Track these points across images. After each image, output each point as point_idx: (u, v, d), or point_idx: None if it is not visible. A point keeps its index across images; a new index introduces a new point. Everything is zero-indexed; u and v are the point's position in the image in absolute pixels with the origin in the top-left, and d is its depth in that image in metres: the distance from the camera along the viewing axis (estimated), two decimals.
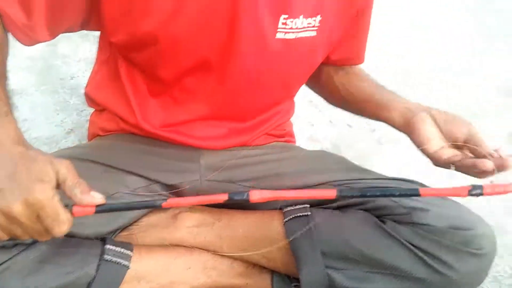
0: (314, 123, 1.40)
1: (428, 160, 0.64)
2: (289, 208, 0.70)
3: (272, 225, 0.70)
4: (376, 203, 0.67)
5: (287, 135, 0.85)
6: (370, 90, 0.75)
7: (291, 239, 0.66)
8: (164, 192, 0.72)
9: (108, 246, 0.63)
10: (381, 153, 1.31)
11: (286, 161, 0.75)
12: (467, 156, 0.60)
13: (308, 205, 0.70)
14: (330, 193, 0.51)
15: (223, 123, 0.73)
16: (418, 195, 0.50)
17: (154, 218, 0.72)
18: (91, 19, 0.65)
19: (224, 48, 0.63)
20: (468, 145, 0.60)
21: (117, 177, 0.69)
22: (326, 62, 0.78)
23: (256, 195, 0.50)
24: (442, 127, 0.63)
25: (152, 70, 0.67)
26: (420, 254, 0.62)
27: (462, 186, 0.50)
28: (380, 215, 0.67)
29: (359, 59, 0.81)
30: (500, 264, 1.02)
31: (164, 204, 0.50)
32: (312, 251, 0.65)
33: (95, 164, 0.69)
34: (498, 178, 0.56)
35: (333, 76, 0.80)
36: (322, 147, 1.31)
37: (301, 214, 0.68)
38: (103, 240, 0.65)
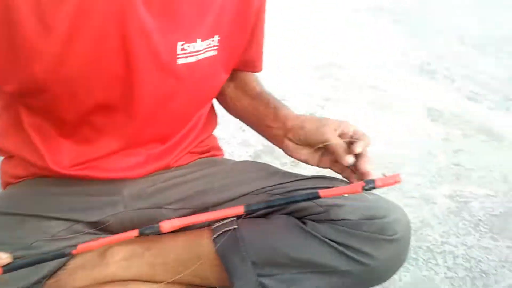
0: (245, 128, 1.42)
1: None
2: (216, 224, 0.71)
3: (202, 244, 0.70)
4: (296, 206, 0.69)
5: (212, 150, 0.86)
6: (251, 110, 0.79)
7: (220, 254, 0.67)
8: (90, 230, 0.70)
9: None
10: None
11: (210, 177, 0.76)
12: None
13: (235, 219, 0.71)
14: (238, 210, 0.52)
15: (139, 150, 0.72)
16: (318, 197, 0.53)
17: (82, 259, 0.70)
18: None
19: (125, 84, 0.62)
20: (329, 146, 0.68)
21: (35, 225, 0.67)
22: None
23: (167, 225, 0.50)
24: (304, 142, 0.71)
25: (54, 113, 0.65)
26: (341, 248, 0.64)
27: (357, 183, 0.54)
28: (302, 217, 0.69)
29: (256, 66, 0.82)
30: (431, 234, 1.09)
31: (74, 251, 0.49)
32: (242, 263, 0.66)
33: (9, 216, 0.67)
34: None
35: (226, 89, 0.82)
36: (255, 150, 1.33)
37: (228, 229, 0.69)
38: None
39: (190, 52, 0.64)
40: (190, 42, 0.64)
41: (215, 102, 0.85)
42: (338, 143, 0.66)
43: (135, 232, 0.50)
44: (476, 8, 2.86)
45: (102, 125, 0.67)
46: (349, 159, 0.64)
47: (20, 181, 0.74)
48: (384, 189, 1.21)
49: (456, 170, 1.35)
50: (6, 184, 0.77)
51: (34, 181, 0.73)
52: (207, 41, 0.66)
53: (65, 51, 0.57)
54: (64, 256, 0.51)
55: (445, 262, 1.02)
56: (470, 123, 1.63)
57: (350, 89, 1.77)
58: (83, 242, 0.68)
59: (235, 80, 0.82)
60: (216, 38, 0.67)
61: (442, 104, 1.74)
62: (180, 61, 0.64)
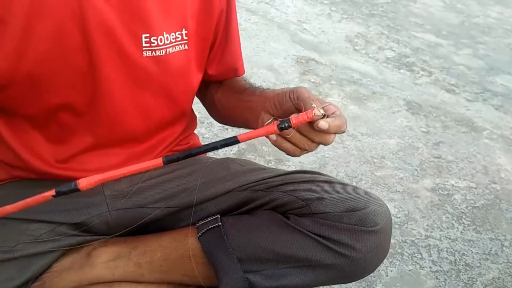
0: (228, 127, 1.42)
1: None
2: (201, 222, 0.71)
3: (187, 242, 0.70)
4: (279, 201, 0.70)
5: (193, 147, 0.86)
6: (236, 101, 0.76)
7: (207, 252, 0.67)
8: (73, 232, 0.70)
9: None
10: None
11: (192, 175, 0.76)
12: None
13: (219, 216, 0.71)
14: (156, 162, 0.50)
15: (116, 150, 0.72)
16: (237, 141, 0.51)
17: (67, 261, 0.70)
18: None
19: (89, 80, 0.62)
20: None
21: (17, 228, 0.66)
22: (208, 79, 0.80)
23: (84, 183, 0.48)
24: (278, 108, 0.63)
25: (20, 111, 0.64)
26: (323, 241, 0.65)
27: (272, 123, 0.53)
28: (285, 212, 0.69)
29: (237, 70, 0.81)
30: (415, 228, 1.11)
31: None
32: (228, 260, 0.67)
33: None
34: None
35: (214, 95, 0.82)
36: (239, 148, 1.34)
37: (212, 226, 0.69)
38: None
39: (157, 46, 0.64)
40: (156, 35, 0.64)
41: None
42: (309, 96, 0.60)
43: (52, 192, 0.48)
44: (452, 0, 2.91)
45: (70, 123, 0.67)
46: (318, 110, 0.56)
47: (1, 184, 0.73)
48: (369, 183, 1.24)
49: (437, 163, 1.38)
50: None
51: (15, 184, 0.72)
52: (173, 34, 0.66)
53: (23, 46, 0.57)
54: None
55: (430, 256, 1.03)
56: (449, 115, 1.66)
57: (331, 83, 1.78)
58: (67, 244, 0.69)
59: (223, 85, 0.82)
60: (184, 31, 0.67)
61: (421, 97, 1.77)
62: (146, 54, 0.64)
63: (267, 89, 0.72)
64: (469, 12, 2.76)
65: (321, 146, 0.61)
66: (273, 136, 0.59)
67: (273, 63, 1.88)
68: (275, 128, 0.53)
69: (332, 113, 0.59)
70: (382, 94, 1.75)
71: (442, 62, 2.10)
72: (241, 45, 0.82)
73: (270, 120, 0.62)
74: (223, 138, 0.52)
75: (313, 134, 0.59)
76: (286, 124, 0.52)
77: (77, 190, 0.48)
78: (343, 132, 0.58)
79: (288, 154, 0.62)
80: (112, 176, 0.50)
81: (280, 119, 0.55)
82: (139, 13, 0.62)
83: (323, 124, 0.55)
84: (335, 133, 0.58)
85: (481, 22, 2.61)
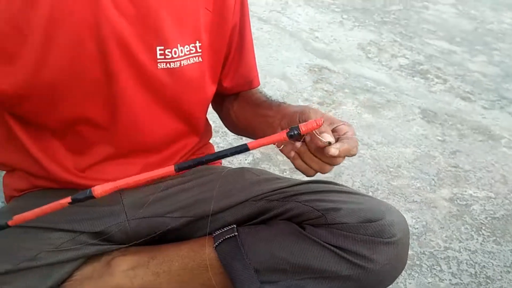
0: (242, 136, 1.43)
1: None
2: (217, 232, 0.71)
3: (204, 252, 0.71)
4: (294, 211, 0.70)
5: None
6: (252, 115, 0.77)
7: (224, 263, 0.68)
8: (93, 241, 0.71)
9: None
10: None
11: (208, 184, 0.77)
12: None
13: (235, 226, 0.71)
14: (168, 169, 0.51)
15: (134, 160, 0.73)
16: (247, 149, 0.52)
17: (88, 269, 0.71)
18: None
19: (106, 89, 0.63)
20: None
21: (39, 236, 0.67)
22: (223, 91, 0.81)
23: (98, 190, 0.50)
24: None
25: (41, 123, 0.66)
26: (340, 252, 0.65)
27: (281, 131, 0.54)
28: (300, 222, 0.69)
29: (252, 83, 0.82)
30: (434, 239, 1.09)
31: (10, 222, 0.49)
32: (245, 270, 0.67)
33: (13, 228, 0.67)
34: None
35: (230, 108, 0.83)
36: (254, 158, 1.34)
37: (229, 236, 0.70)
38: None
39: (171, 58, 0.65)
40: (170, 47, 0.65)
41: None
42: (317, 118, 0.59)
43: (67, 199, 0.50)
44: (465, 6, 2.89)
45: (89, 134, 0.68)
46: (326, 137, 0.57)
47: (22, 194, 0.75)
48: (385, 193, 1.23)
49: (454, 172, 1.36)
50: (10, 198, 0.77)
51: (36, 193, 0.74)
52: (187, 46, 0.67)
53: (42, 58, 0.58)
54: (0, 228, 0.50)
55: (449, 268, 1.02)
56: (465, 123, 1.65)
57: (344, 92, 1.78)
58: (88, 252, 0.70)
59: (238, 98, 0.83)
60: (198, 44, 0.68)
61: (436, 105, 1.75)
62: (161, 66, 0.65)
63: (283, 103, 0.73)
64: (482, 18, 2.74)
65: None
66: (292, 153, 0.62)
67: (286, 72, 1.89)
68: (284, 135, 0.53)
69: (344, 134, 0.60)
70: (397, 102, 1.74)
71: (457, 69, 2.08)
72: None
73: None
74: (234, 146, 0.53)
75: (320, 154, 0.59)
76: (296, 132, 0.53)
77: (92, 197, 0.49)
78: (354, 155, 0.59)
79: (302, 173, 0.64)
80: (126, 184, 0.51)
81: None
82: (153, 26, 0.63)
83: (333, 151, 0.56)
84: (345, 157, 0.59)
85: (495, 29, 2.59)
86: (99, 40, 0.59)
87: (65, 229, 0.69)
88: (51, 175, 0.69)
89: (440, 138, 1.54)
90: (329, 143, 0.56)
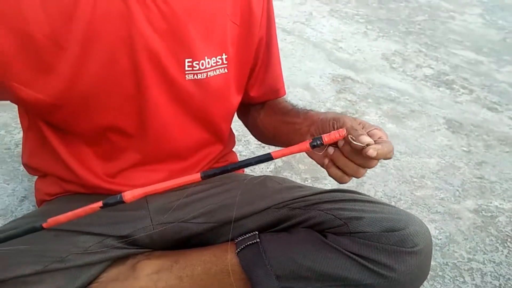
0: (265, 145, 1.45)
1: None
2: (239, 238, 0.73)
3: (226, 258, 0.72)
4: (316, 219, 0.70)
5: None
6: (280, 123, 0.78)
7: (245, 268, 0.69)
8: (120, 244, 0.73)
9: None
10: None
11: (231, 191, 0.78)
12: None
13: (257, 232, 0.73)
14: (195, 177, 0.53)
15: (161, 166, 0.75)
16: (271, 158, 0.53)
17: (113, 272, 0.73)
18: None
19: (136, 100, 0.66)
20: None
21: (68, 239, 0.70)
22: (250, 100, 0.83)
23: (128, 195, 0.52)
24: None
25: (73, 128, 0.69)
26: (362, 261, 0.65)
27: (304, 141, 0.55)
28: (322, 230, 0.70)
29: (278, 92, 0.84)
30: (457, 251, 1.08)
31: (44, 224, 0.51)
32: (266, 277, 0.68)
33: (45, 231, 0.69)
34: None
35: (257, 117, 0.85)
36: (275, 166, 1.35)
37: (251, 242, 0.71)
38: None
39: (199, 69, 0.68)
40: (198, 60, 0.67)
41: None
42: (352, 125, 0.60)
43: (99, 203, 0.52)
44: (492, 16, 2.85)
45: (119, 141, 0.71)
46: (365, 138, 0.57)
47: (53, 199, 0.78)
48: (408, 203, 1.22)
49: (480, 183, 1.34)
50: (41, 202, 0.81)
51: (66, 198, 0.77)
52: (214, 58, 0.69)
53: (78, 70, 0.61)
54: (36, 230, 0.52)
55: (473, 280, 1.00)
56: (492, 134, 1.62)
57: (367, 102, 1.78)
58: (114, 255, 0.73)
59: (265, 107, 0.85)
60: (224, 56, 0.70)
61: (462, 115, 1.73)
62: (189, 77, 0.68)
63: (311, 110, 0.74)
64: (511, 28, 2.69)
65: None
66: (326, 161, 0.62)
67: (309, 82, 1.90)
68: (307, 145, 0.54)
69: (379, 138, 0.60)
70: (421, 113, 1.73)
71: (483, 79, 2.05)
72: None
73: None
74: (258, 155, 0.55)
75: (356, 157, 0.59)
76: (318, 142, 0.54)
77: (122, 202, 0.52)
78: (390, 158, 0.59)
79: (336, 180, 0.63)
80: (155, 190, 0.53)
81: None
82: (182, 40, 0.65)
83: (371, 152, 0.56)
84: (381, 158, 0.58)
85: None
86: (132, 54, 0.62)
87: (93, 232, 0.71)
88: (82, 180, 0.72)
89: (465, 149, 1.52)
90: (367, 145, 0.56)
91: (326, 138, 0.54)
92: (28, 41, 0.58)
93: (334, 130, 0.61)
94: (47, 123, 0.69)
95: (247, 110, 0.86)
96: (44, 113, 0.66)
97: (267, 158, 0.53)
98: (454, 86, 1.97)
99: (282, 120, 0.78)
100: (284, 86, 0.85)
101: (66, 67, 0.60)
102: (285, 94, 0.85)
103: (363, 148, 0.56)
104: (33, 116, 0.71)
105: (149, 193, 0.52)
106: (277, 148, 0.59)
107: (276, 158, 0.54)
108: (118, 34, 0.61)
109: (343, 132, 0.55)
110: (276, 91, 0.84)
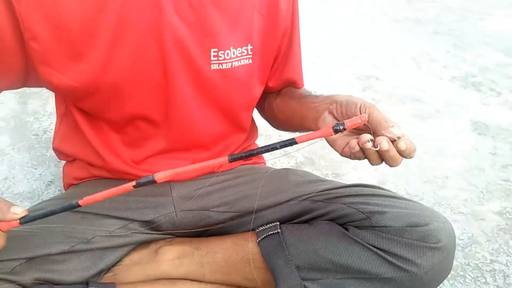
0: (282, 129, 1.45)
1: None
2: (260, 228, 0.73)
3: (247, 247, 0.73)
4: (338, 212, 0.71)
5: (253, 157, 0.89)
6: (297, 104, 0.78)
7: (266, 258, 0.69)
8: (143, 229, 0.75)
9: None
10: (351, 161, 1.36)
11: (253, 182, 0.79)
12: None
13: (278, 223, 0.73)
14: (222, 159, 0.55)
15: (185, 155, 0.76)
16: (295, 142, 0.54)
17: (136, 255, 0.75)
18: (29, 77, 0.65)
19: (163, 88, 0.67)
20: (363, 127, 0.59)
21: (95, 222, 0.72)
22: (267, 90, 0.83)
23: (160, 175, 0.54)
24: (344, 115, 0.64)
25: (103, 116, 0.71)
26: (383, 254, 0.65)
27: (327, 127, 0.56)
28: (344, 223, 0.70)
29: (296, 83, 0.84)
30: (480, 252, 1.06)
31: (80, 202, 0.54)
32: (287, 267, 0.68)
33: (72, 212, 0.72)
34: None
35: (273, 102, 0.85)
36: (296, 161, 1.35)
37: (272, 232, 0.72)
38: (87, 284, 0.67)
39: (224, 59, 0.69)
40: (223, 50, 0.68)
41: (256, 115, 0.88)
42: (382, 118, 0.59)
43: (132, 182, 0.54)
44: None
45: (144, 129, 0.72)
46: (397, 131, 0.57)
47: (80, 182, 0.80)
48: (430, 203, 1.20)
49: (505, 186, 1.31)
50: (68, 186, 0.83)
51: (93, 182, 0.79)
52: (239, 49, 0.70)
53: (108, 58, 0.63)
54: (73, 207, 0.55)
55: (495, 281, 0.98)
56: None
57: (392, 101, 1.76)
58: (137, 240, 0.74)
59: (281, 93, 0.85)
60: (249, 47, 0.71)
61: (489, 117, 1.69)
62: (214, 67, 0.68)
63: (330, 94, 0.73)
64: None
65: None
66: (356, 148, 0.59)
67: (334, 80, 1.89)
68: (330, 130, 0.55)
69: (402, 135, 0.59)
70: (446, 113, 1.70)
71: (511, 81, 2.00)
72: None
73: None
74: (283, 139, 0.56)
75: (381, 155, 0.58)
76: (341, 127, 0.55)
77: (154, 182, 0.54)
78: (411, 158, 0.58)
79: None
80: (185, 171, 0.55)
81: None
82: (209, 30, 0.66)
83: (402, 145, 0.56)
84: (404, 157, 0.58)
85: None
86: (160, 43, 0.64)
87: (118, 216, 0.73)
88: (109, 165, 0.74)
89: (491, 151, 1.49)
90: (398, 138, 0.56)
91: (348, 123, 0.55)
92: (61, 29, 0.60)
93: (360, 114, 0.60)
94: (79, 110, 0.71)
95: (263, 98, 0.86)
96: (76, 99, 0.69)
97: (291, 142, 0.54)
98: (482, 88, 1.93)
99: (300, 102, 0.78)
100: (302, 78, 0.86)
101: (97, 56, 0.62)
102: (302, 86, 0.86)
103: (394, 140, 0.56)
104: (68, 103, 0.73)
105: (180, 174, 0.54)
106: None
107: (300, 143, 0.54)
108: (147, 23, 0.62)
109: (364, 117, 0.55)
110: (294, 82, 0.84)
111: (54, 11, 0.58)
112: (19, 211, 0.54)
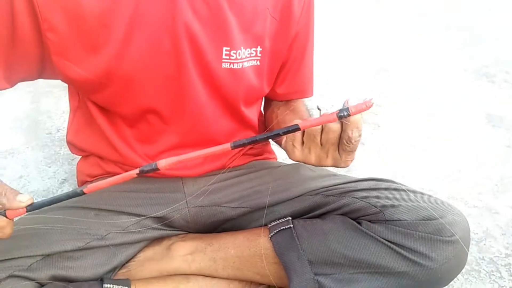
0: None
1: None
2: (273, 224, 0.73)
3: (260, 242, 0.73)
4: (351, 206, 0.70)
5: (265, 153, 0.89)
6: (289, 119, 0.78)
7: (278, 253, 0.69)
8: (156, 225, 0.76)
9: (106, 285, 0.66)
10: (363, 156, 1.35)
11: (264, 178, 0.79)
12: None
13: (290, 218, 0.73)
14: (225, 146, 0.54)
15: (196, 150, 0.76)
16: (298, 129, 0.53)
17: (150, 252, 0.76)
18: (45, 68, 0.67)
19: (175, 83, 0.67)
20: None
21: (108, 218, 0.73)
22: (274, 96, 0.83)
23: (163, 163, 0.53)
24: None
25: (114, 108, 0.71)
26: (397, 248, 0.64)
27: (331, 112, 0.54)
28: (356, 217, 0.70)
29: (306, 92, 0.84)
30: (495, 246, 1.04)
31: (85, 189, 0.53)
32: (299, 262, 0.68)
33: (86, 209, 0.73)
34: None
35: (275, 111, 0.85)
36: None
37: (284, 227, 0.71)
38: (102, 280, 0.68)
39: (236, 59, 0.69)
40: (235, 49, 0.68)
41: None
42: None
43: (136, 170, 0.54)
44: None
45: (157, 124, 0.73)
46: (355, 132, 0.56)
47: (94, 179, 0.81)
48: (444, 197, 1.19)
49: None
50: (82, 183, 0.84)
51: (107, 178, 0.79)
52: (249, 49, 0.70)
53: (122, 52, 0.63)
54: (77, 195, 0.54)
55: (510, 275, 0.97)
56: None
57: (406, 94, 1.74)
58: (150, 236, 0.75)
59: (285, 105, 0.85)
60: (259, 49, 0.71)
61: (503, 110, 1.67)
62: (225, 65, 0.69)
63: None
64: None
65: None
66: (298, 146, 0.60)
67: (348, 73, 1.88)
68: (334, 116, 0.53)
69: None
70: (460, 106, 1.68)
71: None
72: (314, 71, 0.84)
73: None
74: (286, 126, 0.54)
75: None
76: (345, 113, 0.53)
77: (157, 169, 0.53)
78: (359, 135, 0.57)
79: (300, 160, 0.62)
80: (187, 159, 0.54)
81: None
82: (222, 29, 0.66)
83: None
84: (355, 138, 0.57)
85: None
86: (173, 38, 0.64)
87: (132, 213, 0.74)
88: (125, 159, 0.74)
89: (506, 144, 1.46)
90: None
91: (353, 109, 0.53)
92: (78, 20, 0.60)
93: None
94: (93, 103, 0.72)
95: (268, 104, 0.87)
96: (90, 91, 0.69)
97: (295, 128, 0.53)
98: (495, 80, 1.91)
99: (295, 117, 0.78)
100: (312, 88, 0.86)
101: (111, 48, 0.63)
102: (311, 95, 0.86)
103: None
104: (82, 96, 0.74)
105: (182, 161, 0.54)
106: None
107: (303, 129, 0.54)
108: (162, 17, 0.63)
109: (370, 103, 0.53)
110: (302, 91, 0.84)
111: (71, 2, 0.59)
112: (25, 199, 0.54)
